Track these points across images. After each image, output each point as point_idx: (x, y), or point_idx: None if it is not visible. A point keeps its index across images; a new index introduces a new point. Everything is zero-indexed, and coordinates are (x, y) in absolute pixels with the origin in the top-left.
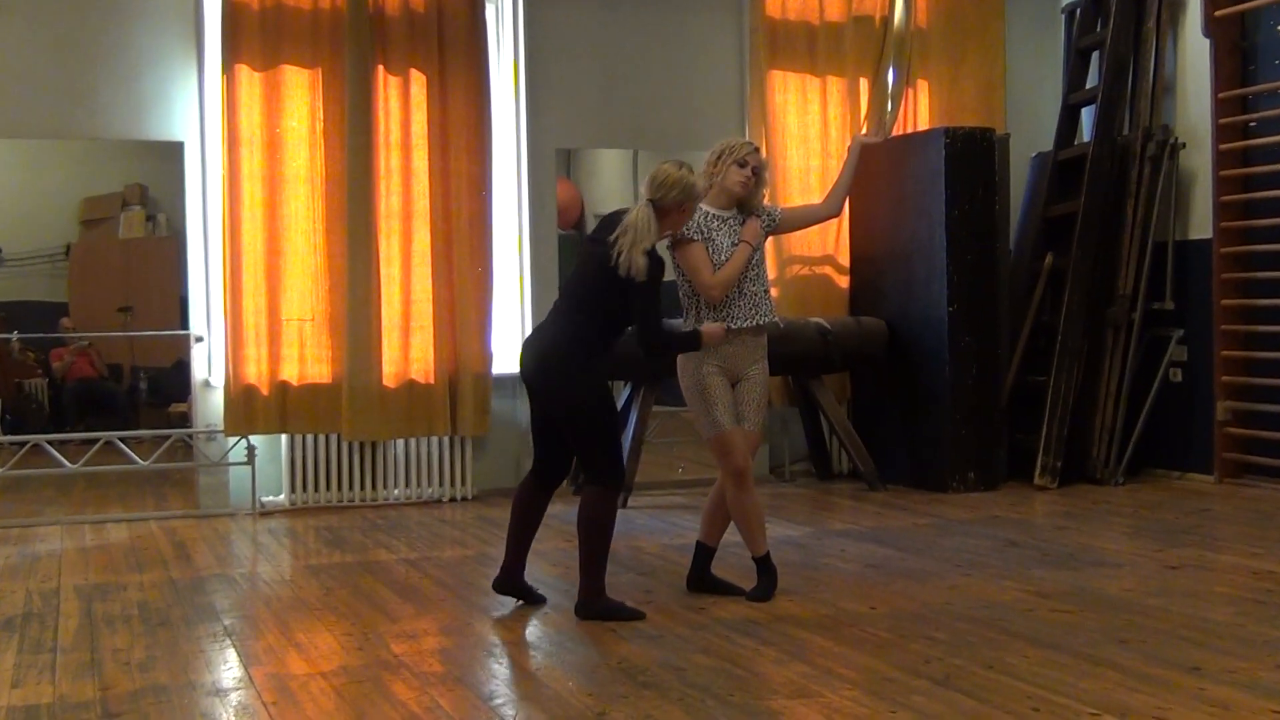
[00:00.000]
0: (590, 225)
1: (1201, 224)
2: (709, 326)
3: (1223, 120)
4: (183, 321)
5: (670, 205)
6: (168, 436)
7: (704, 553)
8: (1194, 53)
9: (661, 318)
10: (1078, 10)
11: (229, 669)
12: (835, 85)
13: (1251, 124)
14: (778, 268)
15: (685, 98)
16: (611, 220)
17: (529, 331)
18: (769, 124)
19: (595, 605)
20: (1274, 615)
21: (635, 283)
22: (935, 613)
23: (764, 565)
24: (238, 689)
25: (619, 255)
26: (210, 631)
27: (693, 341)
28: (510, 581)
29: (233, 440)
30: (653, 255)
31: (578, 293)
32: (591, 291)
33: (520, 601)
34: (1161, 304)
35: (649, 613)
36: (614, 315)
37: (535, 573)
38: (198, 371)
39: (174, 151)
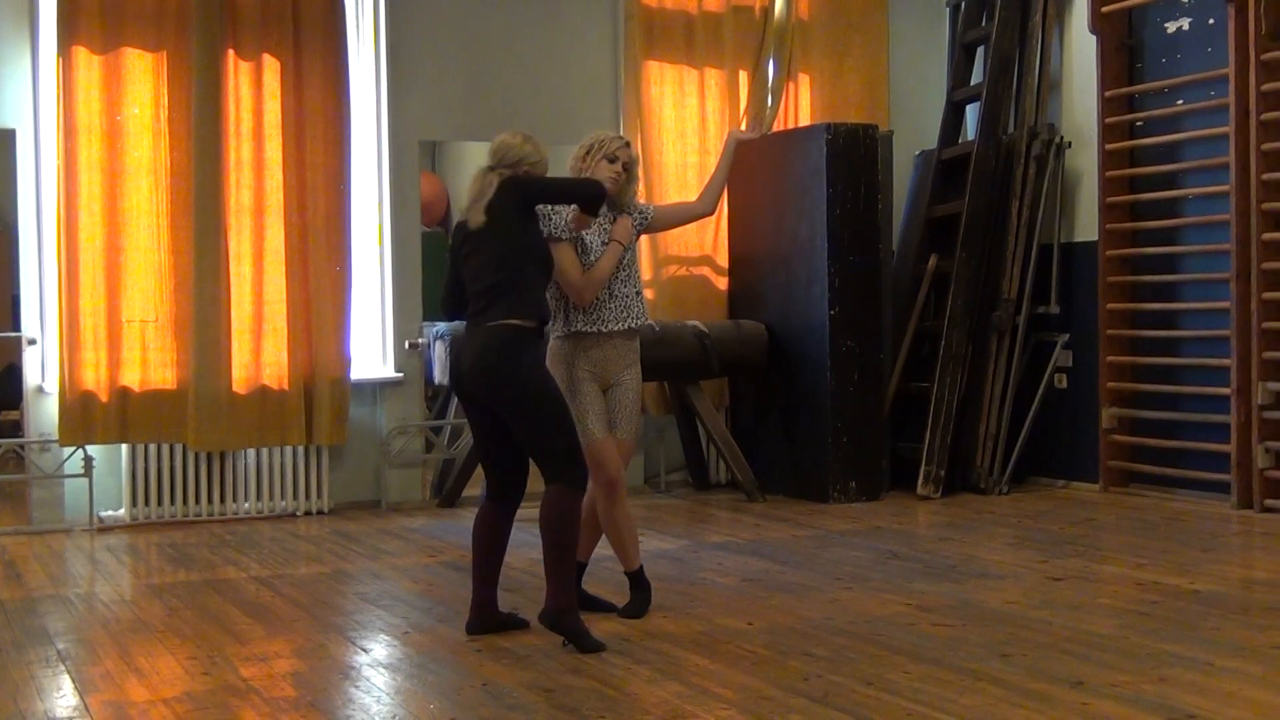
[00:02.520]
0: (456, 221)
1: (1087, 225)
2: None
3: (1109, 119)
4: (14, 323)
5: (504, 174)
6: None
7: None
8: (1080, 49)
9: (568, 182)
10: (962, 4)
11: (63, 696)
12: (714, 77)
13: (1138, 123)
14: (653, 268)
15: (556, 89)
16: (471, 230)
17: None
18: (644, 117)
19: (564, 620)
20: (1158, 627)
21: (524, 197)
22: (815, 628)
23: (637, 580)
24: (72, 718)
25: (487, 206)
26: (42, 656)
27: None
28: (486, 619)
29: (68, 450)
30: (509, 180)
31: (491, 284)
32: (506, 265)
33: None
34: (1047, 308)
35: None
36: (540, 270)
37: (395, 589)
38: (30, 377)
39: (4, 140)
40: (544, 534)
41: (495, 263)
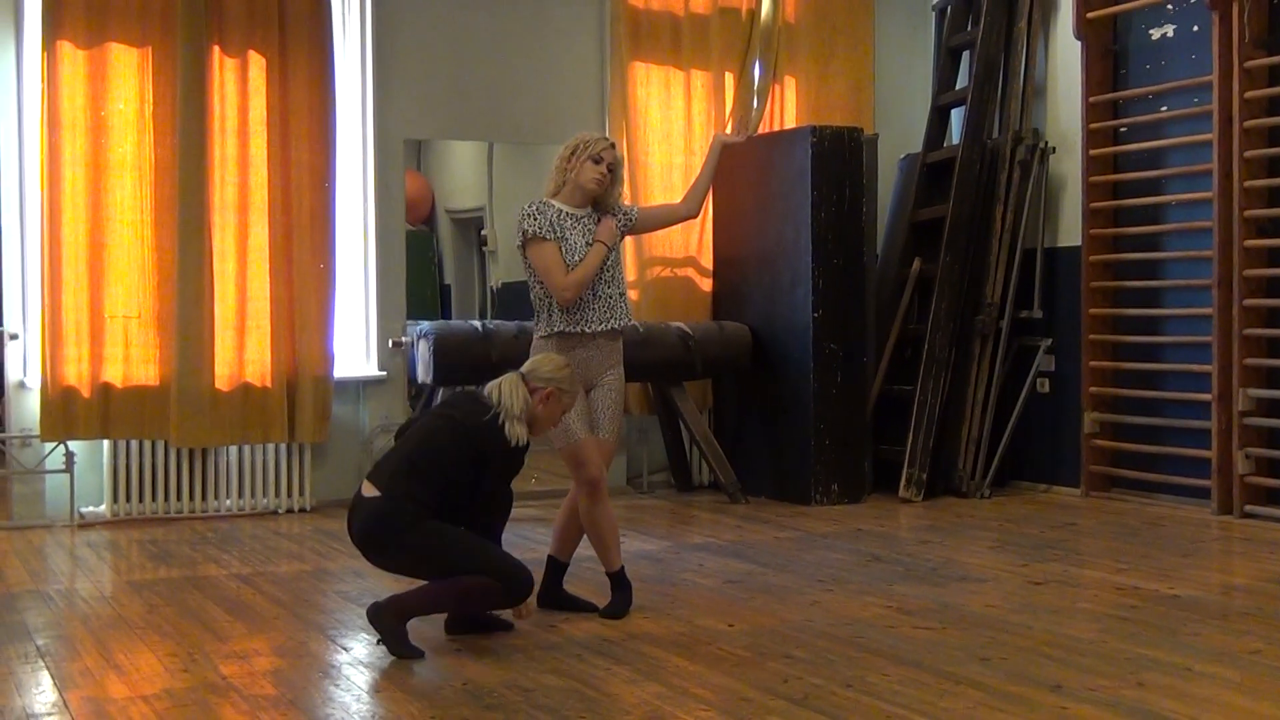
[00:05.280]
0: (441, 220)
1: (1070, 231)
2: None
3: (1093, 125)
4: None
5: (535, 386)
6: None
7: (555, 567)
8: (1065, 55)
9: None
10: (948, 8)
11: (42, 692)
12: (700, 79)
13: (1122, 129)
14: (637, 269)
15: (542, 89)
16: (465, 398)
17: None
18: (630, 118)
19: (390, 621)
20: (1137, 632)
21: (498, 456)
22: (795, 630)
23: (618, 581)
24: (51, 714)
25: (491, 426)
26: (21, 652)
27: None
28: (466, 618)
29: (49, 446)
30: (519, 445)
31: (414, 460)
32: (437, 462)
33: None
34: (1030, 312)
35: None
36: (454, 487)
37: (376, 588)
38: (12, 372)
39: None
40: (451, 583)
41: (429, 447)
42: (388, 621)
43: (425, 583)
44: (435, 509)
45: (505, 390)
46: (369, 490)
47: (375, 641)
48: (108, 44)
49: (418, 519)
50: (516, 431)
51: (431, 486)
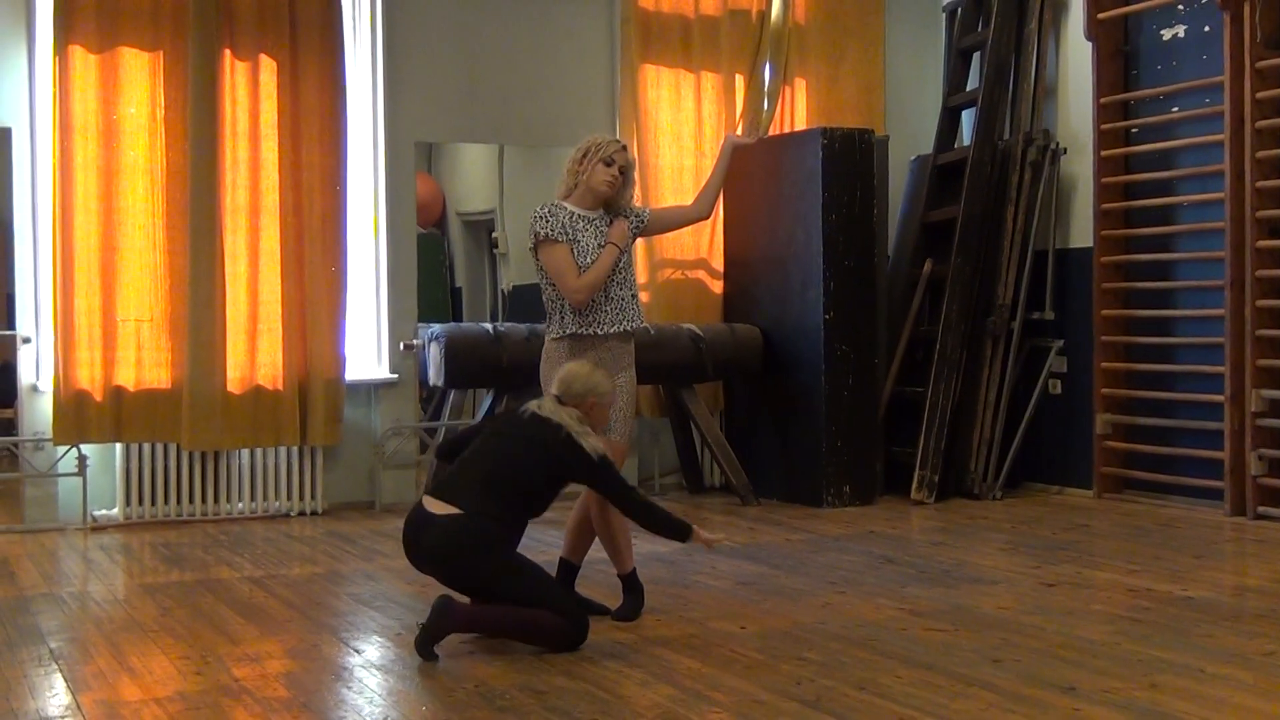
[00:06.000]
0: (452, 222)
1: (1082, 232)
2: (702, 536)
3: (1104, 126)
4: (9, 321)
5: (572, 402)
6: None
7: (567, 570)
8: (1076, 56)
9: (633, 485)
10: (958, 10)
11: (55, 695)
12: (710, 81)
13: (1133, 130)
14: (649, 271)
15: (553, 91)
16: (519, 416)
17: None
18: (641, 120)
19: (446, 625)
20: (1150, 633)
21: (592, 474)
22: (808, 632)
23: (630, 583)
24: (64, 717)
25: (568, 442)
26: (35, 655)
27: (682, 532)
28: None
29: (62, 449)
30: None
31: (492, 478)
32: (518, 477)
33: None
34: (1041, 314)
35: None
36: (537, 499)
37: (388, 590)
38: (25, 375)
39: (1, 138)
40: (530, 615)
41: (505, 464)
42: (444, 625)
43: (499, 612)
44: (513, 525)
45: (554, 414)
46: (440, 508)
47: (415, 623)
48: (119, 48)
49: (498, 540)
50: (594, 445)
51: (510, 504)
